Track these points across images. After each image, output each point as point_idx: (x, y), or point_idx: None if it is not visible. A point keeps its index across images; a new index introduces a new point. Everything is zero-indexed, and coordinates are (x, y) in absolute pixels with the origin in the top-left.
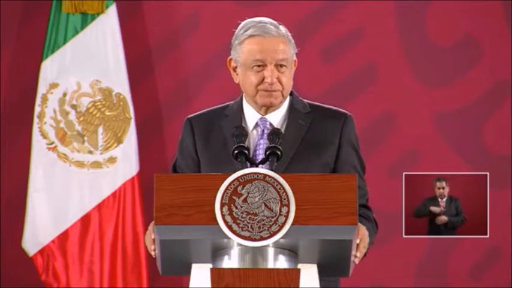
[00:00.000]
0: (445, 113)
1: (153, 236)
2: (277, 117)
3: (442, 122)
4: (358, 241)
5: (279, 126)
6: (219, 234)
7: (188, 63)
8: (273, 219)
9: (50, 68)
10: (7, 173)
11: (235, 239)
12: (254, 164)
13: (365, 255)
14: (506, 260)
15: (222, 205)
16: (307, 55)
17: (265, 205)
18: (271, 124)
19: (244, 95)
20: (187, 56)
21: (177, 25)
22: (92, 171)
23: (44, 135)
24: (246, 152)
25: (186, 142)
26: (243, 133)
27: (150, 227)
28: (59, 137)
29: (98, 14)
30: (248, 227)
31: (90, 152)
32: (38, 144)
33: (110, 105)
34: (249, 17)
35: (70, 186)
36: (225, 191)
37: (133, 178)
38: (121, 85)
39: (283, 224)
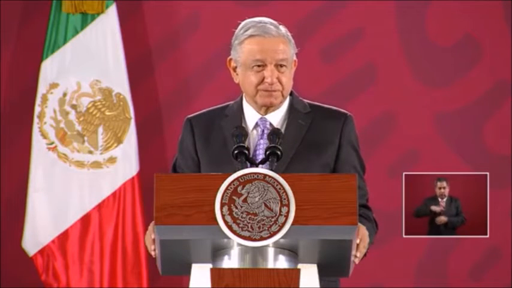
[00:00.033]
0: (445, 113)
1: (153, 236)
2: (277, 117)
3: (442, 122)
4: (358, 241)
5: (279, 126)
6: (219, 234)
7: (188, 63)
8: (273, 219)
9: (50, 68)
10: (7, 173)
11: (235, 239)
12: (254, 164)
13: (365, 255)
14: (506, 260)
15: (222, 205)
16: (307, 55)
17: (265, 205)
18: (271, 124)
19: (244, 95)
20: (187, 56)
21: (177, 25)
22: (92, 171)
23: (44, 135)
24: (246, 152)
25: (186, 142)
26: (243, 133)
27: (150, 227)
28: (59, 137)
29: (98, 14)
30: (248, 227)
31: (90, 152)
32: (38, 144)
33: (110, 105)
34: (249, 17)
35: (70, 186)
36: (225, 191)
37: (133, 178)
38: (121, 85)
39: (283, 224)
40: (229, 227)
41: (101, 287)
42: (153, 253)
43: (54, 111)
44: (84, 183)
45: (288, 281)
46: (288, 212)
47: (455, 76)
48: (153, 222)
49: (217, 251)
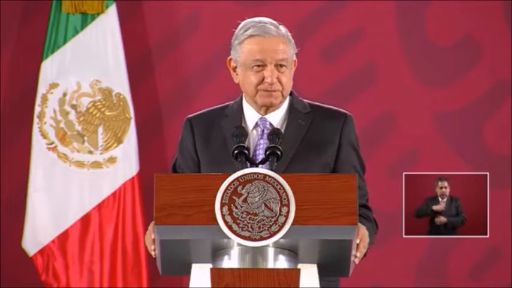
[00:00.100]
0: (445, 113)
1: (153, 236)
2: (277, 117)
3: (442, 122)
4: (358, 241)
5: (278, 126)
6: (219, 234)
7: (188, 63)
8: (273, 219)
9: (50, 68)
10: (7, 173)
11: (235, 239)
12: (254, 164)
13: (365, 255)
14: (506, 260)
15: (222, 205)
16: (307, 55)
17: (265, 205)
18: (271, 124)
19: (244, 95)
20: (187, 56)
21: (177, 25)
22: (92, 171)
23: (44, 135)
24: (246, 152)
25: (186, 142)
26: (243, 133)
27: (150, 227)
28: (59, 137)
29: (98, 14)
30: (248, 227)
31: (90, 152)
32: (38, 144)
33: (110, 105)
34: (249, 17)
35: (70, 186)
36: (225, 191)
37: (133, 178)
38: (121, 85)
39: (283, 224)
40: (229, 227)
41: (101, 287)
42: (153, 253)
43: (54, 111)
44: (84, 183)
45: (288, 281)
46: (288, 212)
47: (455, 76)
48: (153, 222)
49: (217, 251)
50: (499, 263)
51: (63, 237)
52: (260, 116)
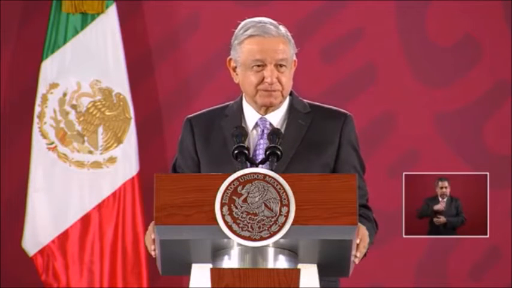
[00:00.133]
0: (445, 113)
1: (153, 236)
2: (277, 117)
3: (442, 122)
4: (358, 241)
5: (278, 126)
6: (219, 234)
7: (188, 63)
8: (273, 219)
9: (50, 68)
10: (7, 173)
11: (235, 239)
12: (254, 164)
13: (365, 255)
14: (506, 260)
15: (222, 205)
16: (307, 55)
17: (265, 205)
18: (271, 124)
19: (244, 95)
20: (187, 56)
21: (177, 25)
22: (92, 171)
23: (44, 135)
24: (246, 152)
25: (186, 142)
26: (243, 133)
27: (150, 227)
28: (59, 137)
29: (98, 14)
30: (248, 227)
31: (90, 152)
32: (38, 144)
33: (110, 105)
34: (249, 17)
35: (70, 186)
36: (225, 191)
37: (133, 178)
38: (121, 85)
39: (283, 224)
40: (229, 227)
41: (101, 287)
42: (153, 253)
43: (54, 111)
44: (84, 183)
45: (288, 281)
46: (288, 212)
47: (455, 76)
48: (153, 222)
49: (217, 251)
50: (499, 263)
51: (63, 237)
52: (260, 116)
